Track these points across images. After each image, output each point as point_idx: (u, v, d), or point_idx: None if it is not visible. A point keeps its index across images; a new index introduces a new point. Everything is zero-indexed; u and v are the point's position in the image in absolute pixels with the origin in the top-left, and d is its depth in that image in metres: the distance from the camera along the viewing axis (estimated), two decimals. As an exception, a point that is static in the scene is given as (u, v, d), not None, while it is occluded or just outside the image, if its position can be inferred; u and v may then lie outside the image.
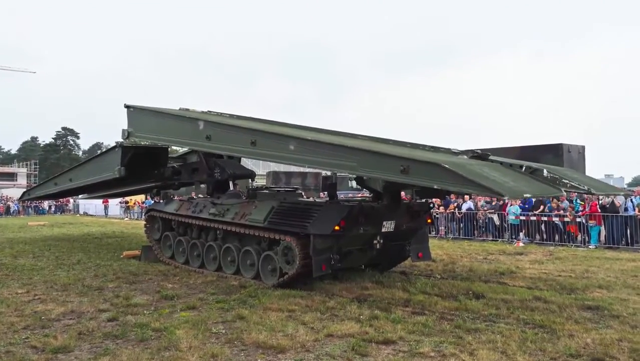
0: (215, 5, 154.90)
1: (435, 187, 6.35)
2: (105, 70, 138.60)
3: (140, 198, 32.17)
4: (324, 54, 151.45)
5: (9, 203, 40.78)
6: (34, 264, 11.79)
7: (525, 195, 6.35)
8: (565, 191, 6.96)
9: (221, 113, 12.00)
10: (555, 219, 15.60)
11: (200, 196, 14.91)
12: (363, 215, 8.41)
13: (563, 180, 7.04)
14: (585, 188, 7.40)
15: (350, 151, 7.23)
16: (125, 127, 11.60)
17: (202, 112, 11.98)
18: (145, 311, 7.21)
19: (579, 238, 15.17)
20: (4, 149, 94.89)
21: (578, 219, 15.18)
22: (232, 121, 10.28)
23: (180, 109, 12.11)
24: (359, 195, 18.74)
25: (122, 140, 11.72)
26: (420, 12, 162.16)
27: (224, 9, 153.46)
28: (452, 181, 6.11)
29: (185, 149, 13.79)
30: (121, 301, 7.79)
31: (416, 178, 6.44)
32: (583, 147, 20.25)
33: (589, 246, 14.61)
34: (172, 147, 14.06)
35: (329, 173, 37.77)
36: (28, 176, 62.07)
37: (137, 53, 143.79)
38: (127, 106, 11.77)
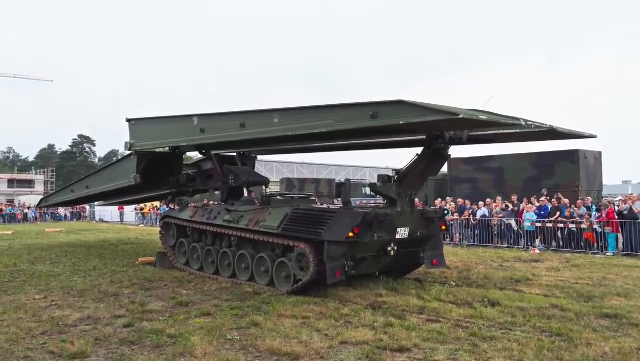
0: (231, 19, 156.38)
1: (400, 122, 6.75)
2: (121, 79, 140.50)
3: (156, 204, 32.49)
4: (335, 69, 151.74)
5: (26, 209, 41.36)
6: (51, 270, 11.94)
7: (480, 117, 6.74)
8: (524, 123, 7.28)
9: None
10: (572, 226, 15.40)
11: (214, 202, 15.01)
12: (377, 222, 8.39)
13: (527, 121, 7.42)
14: (548, 125, 7.84)
15: (325, 109, 7.75)
16: (127, 140, 11.97)
17: None
18: (160, 317, 7.26)
19: (596, 245, 14.96)
20: (21, 156, 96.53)
21: (595, 226, 14.97)
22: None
23: None
24: (372, 202, 18.70)
25: (125, 152, 12.01)
26: (429, 21, 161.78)
27: (239, 24, 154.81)
28: (415, 113, 6.60)
29: (200, 155, 13.92)
30: (136, 307, 7.86)
31: (384, 119, 6.87)
32: (599, 153, 20.05)
33: (607, 253, 14.41)
34: (186, 153, 14.25)
35: (342, 180, 37.87)
36: (45, 183, 62.94)
37: (153, 63, 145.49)
38: (128, 120, 12.14)
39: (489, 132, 8.89)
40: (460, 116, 6.29)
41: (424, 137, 8.76)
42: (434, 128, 8.04)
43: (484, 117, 6.76)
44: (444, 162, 8.94)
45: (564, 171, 18.73)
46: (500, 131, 8.68)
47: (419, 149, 8.94)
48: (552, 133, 8.48)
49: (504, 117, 7.15)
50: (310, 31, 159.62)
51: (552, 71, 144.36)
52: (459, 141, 8.77)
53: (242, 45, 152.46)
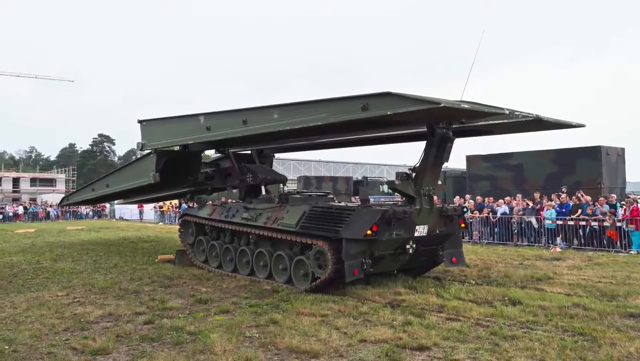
0: (249, 21, 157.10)
1: (388, 112, 6.98)
2: (141, 79, 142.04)
3: (175, 202, 32.78)
4: (354, 71, 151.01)
5: (48, 208, 42.05)
6: (73, 268, 12.12)
7: (463, 106, 7.06)
8: (509, 113, 7.62)
9: None
10: (594, 224, 15.14)
11: (232, 200, 15.09)
12: (395, 219, 8.34)
13: (514, 112, 7.75)
14: (534, 114, 8.14)
15: (320, 103, 8.05)
16: (140, 141, 12.27)
17: None
18: (180, 315, 7.32)
19: (619, 243, 14.67)
20: (43, 155, 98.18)
21: (618, 224, 14.69)
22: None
23: None
24: (391, 200, 18.60)
25: (138, 151, 12.27)
26: (447, 24, 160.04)
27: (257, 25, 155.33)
28: (401, 104, 6.87)
29: (218, 154, 14.04)
30: (157, 305, 7.93)
31: (374, 111, 7.14)
32: (622, 150, 19.65)
33: (630, 252, 14.13)
34: (205, 152, 14.40)
35: (359, 178, 37.77)
36: (66, 181, 63.87)
37: (171, 63, 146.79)
38: (139, 121, 12.44)
39: (481, 123, 9.06)
40: (442, 105, 6.58)
41: (426, 129, 8.85)
42: (422, 119, 8.23)
43: (466, 106, 7.09)
44: (451, 145, 8.92)
45: (586, 168, 18.40)
46: (490, 122, 8.93)
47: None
48: (540, 123, 8.70)
49: (487, 106, 7.42)
50: (325, 32, 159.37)
51: (576, 69, 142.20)
52: (459, 129, 8.96)
53: (258, 47, 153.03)
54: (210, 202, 12.86)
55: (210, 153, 15.97)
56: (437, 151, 8.75)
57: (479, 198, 19.13)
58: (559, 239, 15.74)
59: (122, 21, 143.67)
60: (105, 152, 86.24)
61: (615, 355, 5.37)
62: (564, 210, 16.10)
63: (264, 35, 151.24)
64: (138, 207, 36.81)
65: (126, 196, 18.16)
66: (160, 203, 35.06)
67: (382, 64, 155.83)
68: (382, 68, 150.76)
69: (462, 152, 23.75)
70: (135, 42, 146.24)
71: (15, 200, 52.71)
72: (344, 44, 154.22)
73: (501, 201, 18.04)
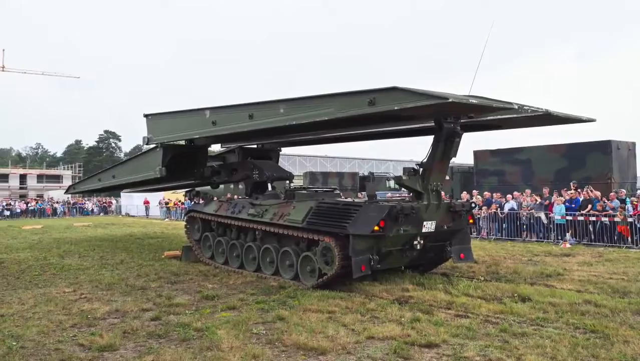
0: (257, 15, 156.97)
1: (395, 108, 6.92)
2: (147, 74, 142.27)
3: (180, 198, 32.83)
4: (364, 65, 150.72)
5: (55, 204, 42.22)
6: (80, 264, 12.13)
7: (470, 100, 6.99)
8: (518, 107, 7.63)
9: None
10: (605, 220, 14.96)
11: (238, 196, 15.04)
12: (403, 215, 8.25)
13: (524, 106, 7.76)
14: (544, 109, 8.13)
15: (327, 98, 8.02)
16: (145, 135, 12.25)
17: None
18: (187, 311, 7.29)
19: (630, 239, 14.49)
20: (50, 152, 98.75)
21: (630, 220, 14.51)
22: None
23: None
24: (398, 195, 18.53)
25: (144, 146, 12.27)
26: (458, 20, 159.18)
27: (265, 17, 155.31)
28: (409, 99, 6.79)
29: (224, 148, 14.03)
30: (163, 301, 7.91)
31: (381, 106, 7.10)
32: (633, 144, 19.45)
33: (641, 248, 13.97)
34: (211, 147, 14.40)
35: (365, 173, 37.62)
36: (73, 178, 64.06)
37: (172, 60, 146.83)
38: (145, 115, 12.43)
39: (489, 117, 9.00)
40: (450, 100, 6.50)
41: (433, 123, 8.76)
42: (430, 114, 8.18)
43: (474, 101, 7.01)
44: (459, 140, 8.83)
45: (596, 162, 18.21)
46: (498, 117, 8.87)
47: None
48: (549, 118, 8.64)
49: (495, 101, 7.37)
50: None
51: (585, 63, 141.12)
52: (467, 124, 8.88)
53: (261, 46, 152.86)
54: (216, 198, 12.82)
55: (216, 147, 15.95)
56: (445, 146, 8.64)
57: (486, 194, 18.99)
58: (568, 235, 15.58)
59: (127, 17, 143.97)
60: (111, 149, 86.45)
61: (629, 353, 5.28)
62: (573, 205, 15.94)
63: (267, 36, 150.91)
64: (144, 203, 36.92)
65: (132, 186, 18.16)
66: (166, 200, 35.19)
67: (385, 65, 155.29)
68: (385, 69, 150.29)
69: (469, 147, 23.58)
70: (141, 39, 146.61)
71: (22, 196, 53.02)
72: (353, 50, 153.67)
73: (509, 196, 17.89)
